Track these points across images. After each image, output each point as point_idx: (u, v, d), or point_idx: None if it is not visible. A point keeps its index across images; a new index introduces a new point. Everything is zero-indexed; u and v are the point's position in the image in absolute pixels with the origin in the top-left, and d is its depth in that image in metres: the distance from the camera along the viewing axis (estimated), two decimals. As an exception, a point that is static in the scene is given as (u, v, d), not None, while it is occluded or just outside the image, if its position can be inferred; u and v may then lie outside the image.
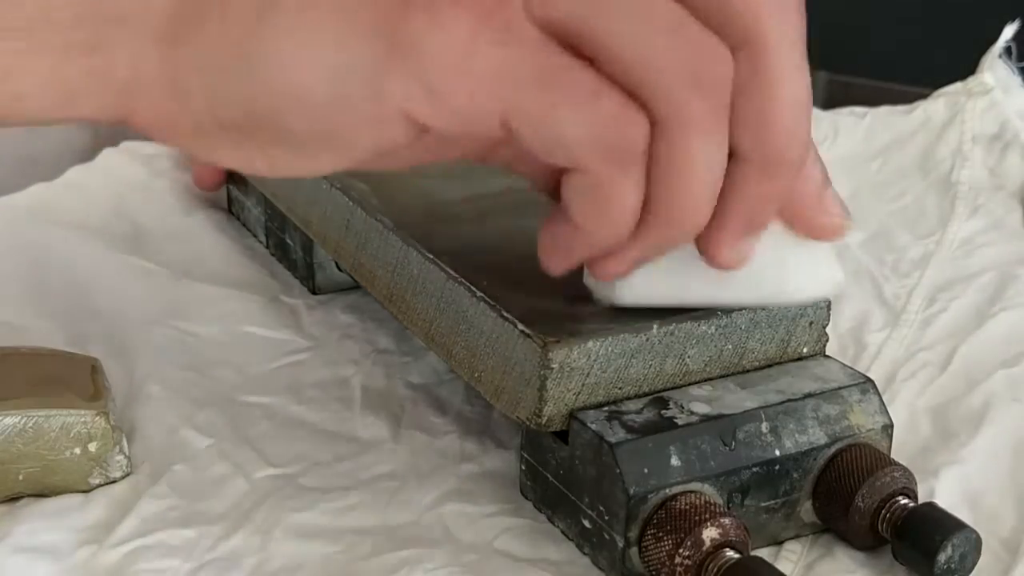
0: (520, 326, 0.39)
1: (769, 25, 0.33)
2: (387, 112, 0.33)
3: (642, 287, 0.39)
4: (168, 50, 0.34)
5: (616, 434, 0.38)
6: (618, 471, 0.37)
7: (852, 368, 0.42)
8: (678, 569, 0.36)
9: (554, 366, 0.38)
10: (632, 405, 0.39)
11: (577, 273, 0.42)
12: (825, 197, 0.38)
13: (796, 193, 0.37)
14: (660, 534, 0.37)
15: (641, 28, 0.32)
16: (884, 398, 0.42)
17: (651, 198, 0.34)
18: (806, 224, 0.38)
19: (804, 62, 0.34)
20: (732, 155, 0.34)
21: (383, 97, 0.32)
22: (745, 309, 0.41)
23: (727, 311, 0.40)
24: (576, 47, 0.32)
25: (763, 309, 0.41)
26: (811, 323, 0.42)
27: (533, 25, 0.32)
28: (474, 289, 0.41)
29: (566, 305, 0.41)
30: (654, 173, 0.34)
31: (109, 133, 0.77)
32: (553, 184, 0.37)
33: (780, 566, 0.39)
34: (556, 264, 0.38)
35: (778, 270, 0.39)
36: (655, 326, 0.39)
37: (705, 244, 0.36)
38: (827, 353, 0.43)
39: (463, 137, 0.36)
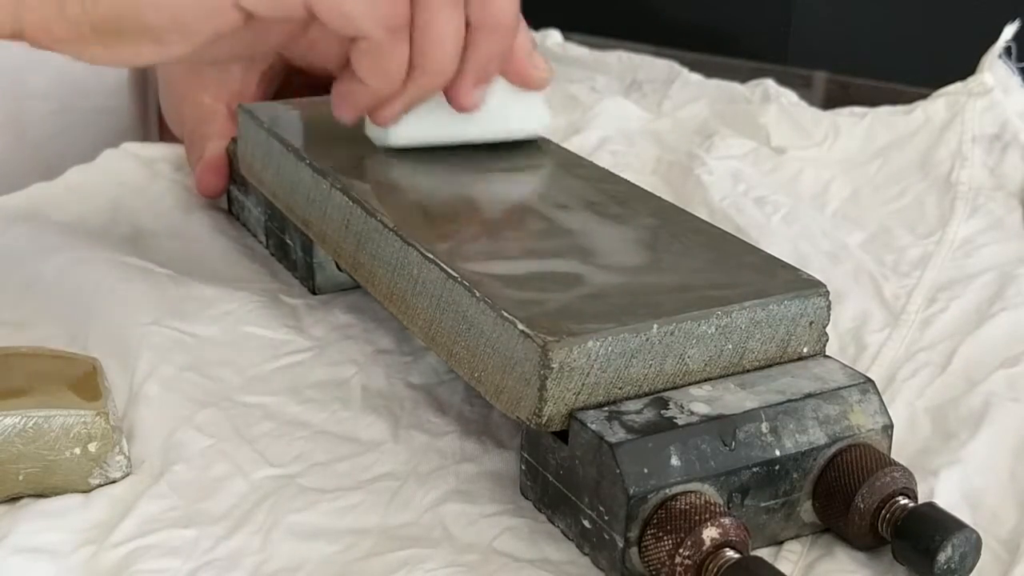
0: (520, 326, 0.39)
1: None
2: (222, 2, 0.45)
3: (408, 130, 0.52)
4: None
5: (616, 434, 0.38)
6: (618, 471, 0.37)
7: (852, 368, 0.42)
8: (678, 569, 0.36)
9: (554, 366, 0.38)
10: (632, 405, 0.39)
11: (577, 273, 0.42)
12: (533, 56, 0.52)
13: (512, 54, 0.50)
14: (660, 534, 0.37)
15: None
16: (884, 398, 0.42)
17: (414, 56, 0.47)
18: (520, 76, 0.52)
19: None
20: (468, 25, 0.48)
21: None
22: (744, 308, 0.41)
23: (727, 311, 0.41)
24: None
25: (762, 309, 0.41)
26: (811, 323, 0.42)
27: None
28: (474, 289, 0.41)
29: (566, 304, 0.41)
30: (415, 38, 0.47)
31: (109, 134, 0.77)
32: (342, 64, 0.50)
33: (780, 566, 0.39)
34: (347, 114, 0.51)
35: (503, 111, 0.53)
36: (655, 326, 0.39)
37: (451, 93, 0.50)
38: (827, 353, 0.43)
39: (277, 20, 0.47)
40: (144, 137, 0.81)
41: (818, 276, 0.43)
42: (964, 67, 0.76)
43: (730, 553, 0.36)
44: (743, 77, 0.85)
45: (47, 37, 0.45)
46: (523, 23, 0.51)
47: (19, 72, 0.75)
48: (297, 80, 0.65)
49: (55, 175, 0.68)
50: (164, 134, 0.79)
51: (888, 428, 0.41)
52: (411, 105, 0.50)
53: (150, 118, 0.82)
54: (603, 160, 0.67)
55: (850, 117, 0.77)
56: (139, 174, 0.69)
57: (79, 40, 0.45)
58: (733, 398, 0.40)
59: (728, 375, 0.41)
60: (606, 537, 0.38)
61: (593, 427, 0.38)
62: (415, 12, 0.47)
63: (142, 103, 0.81)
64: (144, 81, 0.81)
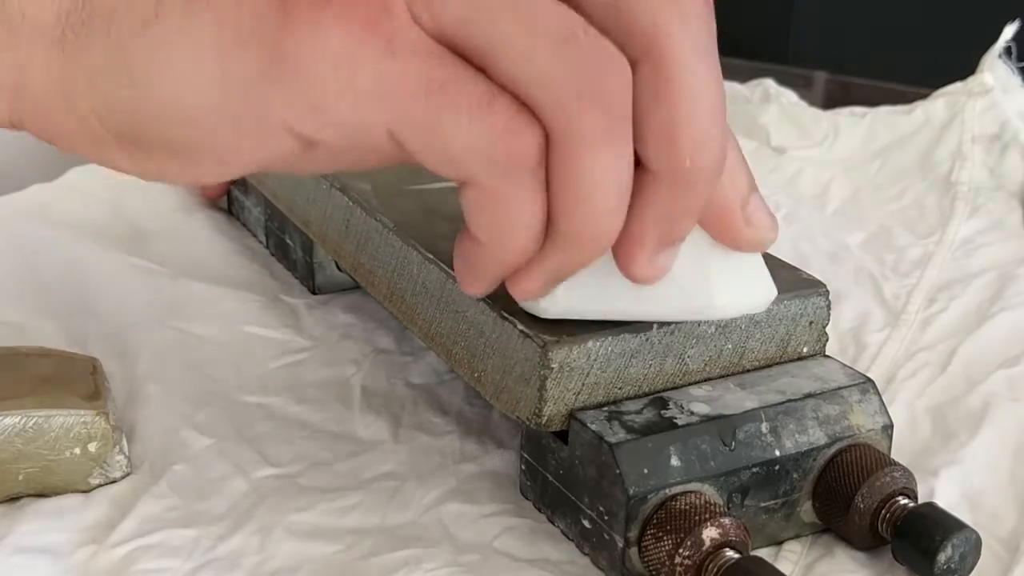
0: (520, 326, 0.39)
1: (670, 32, 0.31)
2: (269, 125, 0.32)
3: (565, 300, 0.37)
4: (57, 55, 0.33)
5: (616, 434, 0.38)
6: (618, 471, 0.37)
7: (852, 368, 0.42)
8: (678, 569, 0.36)
9: (554, 366, 0.38)
10: (632, 405, 0.39)
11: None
12: (748, 206, 0.36)
13: (717, 202, 0.35)
14: (660, 534, 0.37)
15: (529, 39, 0.30)
16: (884, 398, 0.42)
17: (553, 213, 0.32)
18: (728, 235, 0.36)
19: (713, 69, 0.32)
20: (642, 168, 0.33)
21: (264, 110, 0.31)
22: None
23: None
24: (467, 57, 0.31)
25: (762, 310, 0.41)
26: (811, 323, 0.42)
27: (422, 34, 0.30)
28: (474, 289, 0.41)
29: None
30: (552, 188, 0.32)
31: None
32: None
33: (780, 566, 0.39)
34: (472, 285, 0.35)
35: (702, 283, 0.38)
36: (655, 326, 0.39)
37: (620, 258, 0.34)
38: (827, 353, 0.43)
39: (353, 149, 0.33)
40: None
41: (818, 276, 0.43)
42: (964, 67, 0.76)
43: (730, 553, 0.36)
44: (743, 77, 0.85)
45: (56, 133, 0.35)
46: (735, 152, 0.35)
47: None
48: None
49: (52, 175, 0.68)
50: None
51: (888, 428, 0.41)
52: (557, 278, 0.35)
53: None
54: (603, 160, 0.67)
55: (850, 117, 0.77)
56: (139, 174, 0.69)
57: (96, 143, 0.34)
58: (733, 398, 0.40)
59: (728, 375, 0.41)
60: (606, 537, 0.38)
61: (593, 427, 0.38)
62: (553, 149, 0.31)
63: None
64: None
